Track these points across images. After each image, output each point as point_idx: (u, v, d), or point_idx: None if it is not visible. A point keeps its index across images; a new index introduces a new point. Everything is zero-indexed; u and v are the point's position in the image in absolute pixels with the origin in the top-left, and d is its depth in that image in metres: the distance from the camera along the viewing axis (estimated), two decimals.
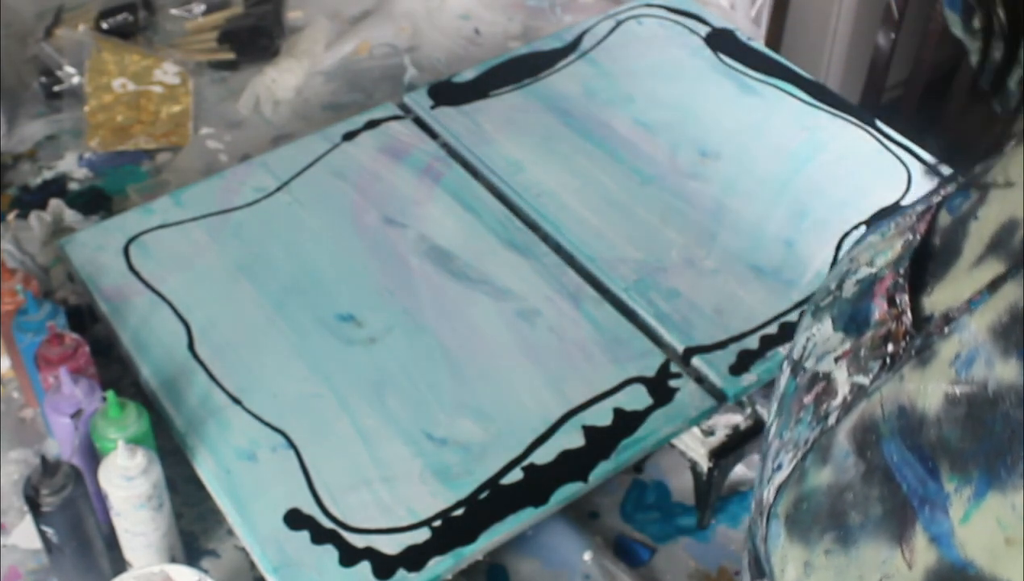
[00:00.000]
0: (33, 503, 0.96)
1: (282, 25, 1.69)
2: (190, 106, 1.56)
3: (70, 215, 1.41)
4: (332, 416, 1.12)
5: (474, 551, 1.02)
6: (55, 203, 1.42)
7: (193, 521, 1.10)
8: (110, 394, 1.01)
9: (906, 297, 0.65)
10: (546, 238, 1.31)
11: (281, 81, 1.61)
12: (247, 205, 1.35)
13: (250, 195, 1.37)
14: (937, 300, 0.63)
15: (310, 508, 1.05)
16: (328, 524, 1.03)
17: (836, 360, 0.67)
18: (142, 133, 1.53)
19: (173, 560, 1.03)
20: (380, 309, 1.23)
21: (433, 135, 1.45)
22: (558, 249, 1.29)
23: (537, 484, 1.06)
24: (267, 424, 1.12)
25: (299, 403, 1.14)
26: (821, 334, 0.71)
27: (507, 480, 1.07)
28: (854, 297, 0.70)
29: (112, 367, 1.22)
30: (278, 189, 1.37)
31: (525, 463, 1.08)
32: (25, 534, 1.08)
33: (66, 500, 0.96)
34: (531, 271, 1.26)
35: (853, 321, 0.68)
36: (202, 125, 1.56)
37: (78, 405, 1.02)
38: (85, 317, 1.27)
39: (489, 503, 1.05)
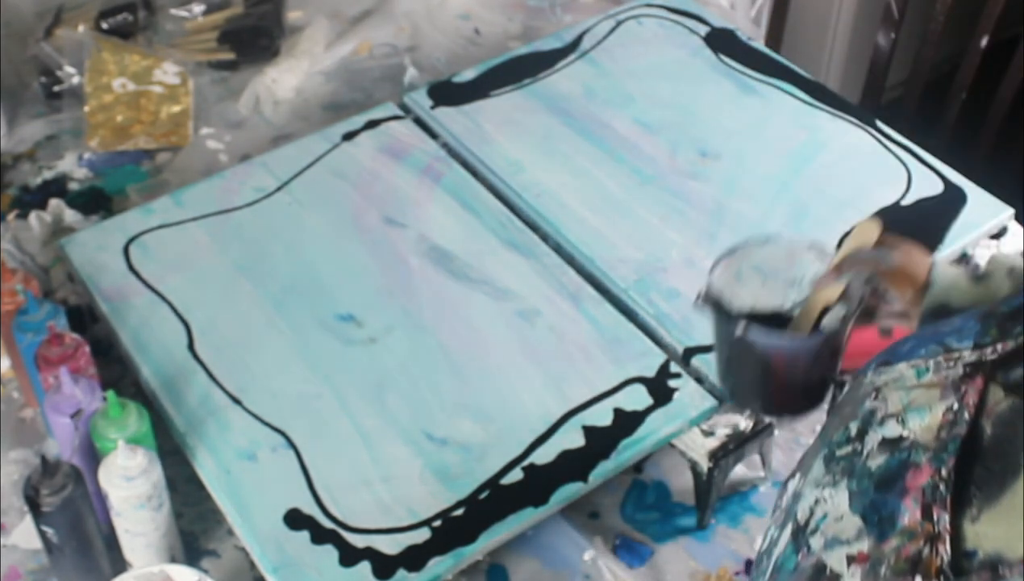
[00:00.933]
0: (33, 503, 0.96)
1: (282, 25, 1.69)
2: (190, 106, 1.56)
3: (70, 215, 1.41)
4: (332, 416, 1.12)
5: (474, 551, 1.02)
6: (55, 203, 1.42)
7: (193, 521, 1.10)
8: (110, 394, 1.01)
9: (946, 518, 0.53)
10: (546, 238, 1.31)
11: (281, 81, 1.61)
12: (247, 205, 1.35)
13: (250, 195, 1.37)
14: (984, 534, 0.52)
15: (310, 508, 1.05)
16: (328, 524, 1.03)
17: (849, 561, 0.57)
18: (142, 133, 1.53)
19: (173, 560, 1.03)
20: (380, 309, 1.23)
21: (433, 135, 1.45)
22: (558, 249, 1.29)
23: (537, 484, 1.06)
24: (267, 424, 1.12)
25: (299, 403, 1.14)
26: (834, 507, 0.60)
27: (507, 480, 1.07)
28: (879, 476, 0.58)
29: (112, 367, 1.22)
30: (278, 189, 1.37)
31: (525, 463, 1.08)
32: (25, 534, 1.08)
33: (66, 500, 0.96)
34: (531, 271, 1.26)
35: (875, 511, 0.57)
36: (202, 125, 1.56)
37: (78, 405, 1.02)
38: (85, 317, 1.27)
39: (489, 503, 1.05)
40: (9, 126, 1.54)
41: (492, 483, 1.06)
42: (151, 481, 0.98)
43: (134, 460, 0.97)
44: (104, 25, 1.63)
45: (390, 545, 1.02)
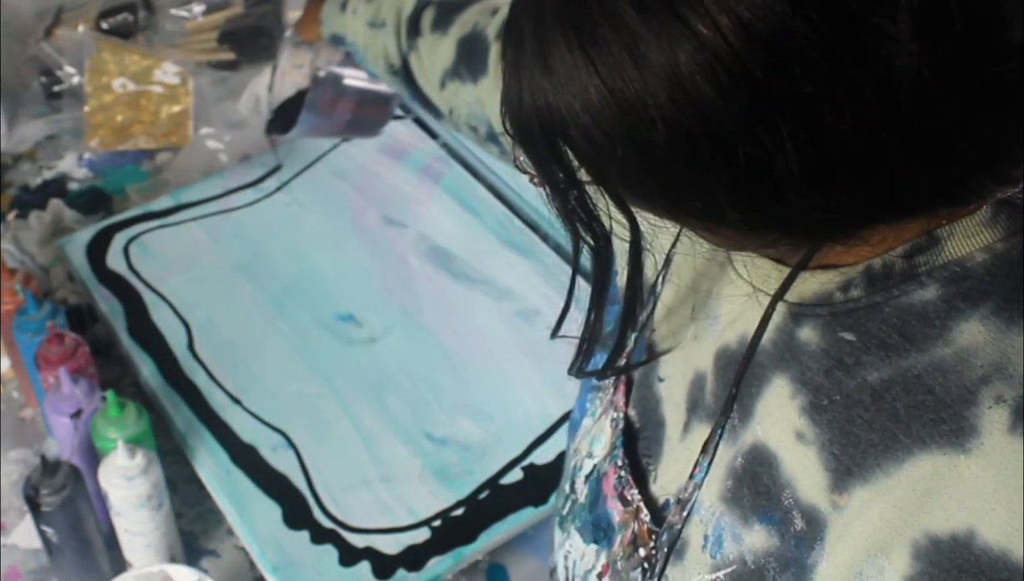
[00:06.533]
0: (33, 503, 0.96)
1: (282, 25, 1.69)
2: (190, 106, 1.56)
3: (70, 215, 1.41)
4: (332, 416, 1.12)
5: (474, 551, 1.02)
6: (55, 203, 1.42)
7: (193, 521, 1.10)
8: (110, 394, 1.01)
9: (635, 492, 0.62)
10: (546, 238, 1.30)
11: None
12: (247, 205, 1.35)
13: (250, 195, 1.37)
14: (664, 484, 0.61)
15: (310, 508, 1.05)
16: (328, 524, 1.03)
17: (599, 579, 0.65)
18: (142, 133, 1.53)
19: (173, 560, 1.03)
20: (380, 309, 1.23)
21: (433, 135, 1.45)
22: (558, 249, 1.29)
23: (537, 484, 1.06)
24: (267, 424, 1.12)
25: (299, 403, 1.14)
26: (575, 549, 0.68)
27: (507, 480, 1.07)
28: (589, 502, 0.67)
29: (112, 367, 1.22)
30: (278, 189, 1.37)
31: (525, 463, 1.08)
32: (25, 534, 1.08)
33: (66, 500, 0.96)
34: (531, 271, 1.26)
35: (598, 528, 0.66)
36: (202, 125, 1.56)
37: (78, 405, 1.02)
38: (85, 317, 1.27)
39: (489, 503, 1.05)
40: (9, 126, 1.53)
41: (492, 483, 1.06)
42: (151, 481, 0.98)
43: (134, 460, 0.97)
44: (104, 25, 1.63)
45: (390, 545, 1.02)
